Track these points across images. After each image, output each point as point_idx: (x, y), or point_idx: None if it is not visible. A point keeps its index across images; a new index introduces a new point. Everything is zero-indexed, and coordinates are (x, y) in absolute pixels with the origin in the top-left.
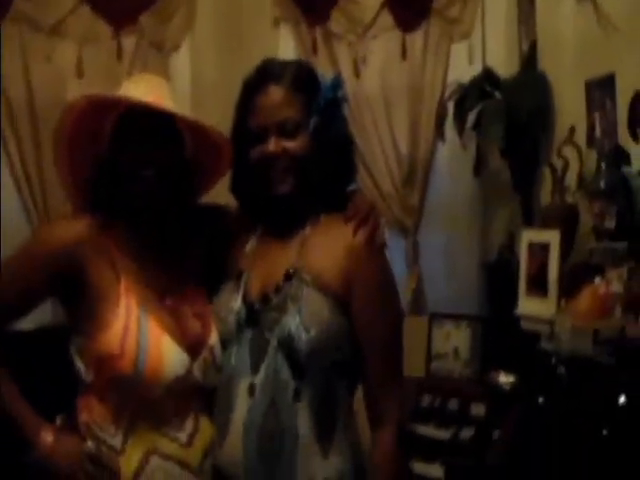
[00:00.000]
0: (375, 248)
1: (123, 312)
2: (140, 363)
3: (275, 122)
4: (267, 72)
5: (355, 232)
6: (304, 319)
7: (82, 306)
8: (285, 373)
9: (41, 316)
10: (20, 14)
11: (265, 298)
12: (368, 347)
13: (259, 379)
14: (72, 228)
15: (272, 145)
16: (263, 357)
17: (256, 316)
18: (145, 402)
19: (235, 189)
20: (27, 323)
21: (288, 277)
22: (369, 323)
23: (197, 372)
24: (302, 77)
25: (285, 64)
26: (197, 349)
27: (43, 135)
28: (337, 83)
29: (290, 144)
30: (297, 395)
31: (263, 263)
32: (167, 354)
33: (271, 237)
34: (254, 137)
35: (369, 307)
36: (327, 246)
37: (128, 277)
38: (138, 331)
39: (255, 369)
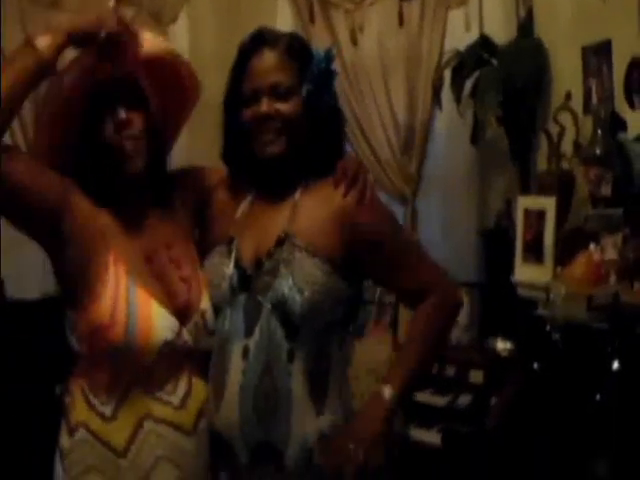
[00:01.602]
0: (367, 204)
1: (112, 281)
2: (130, 331)
3: (268, 84)
4: (262, 38)
5: (345, 194)
6: (297, 281)
7: (73, 273)
8: (279, 335)
9: (44, 286)
10: None
11: (258, 263)
12: (397, 275)
13: (253, 342)
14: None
15: (264, 106)
16: (256, 320)
17: (249, 281)
18: (138, 370)
19: (226, 155)
20: (32, 293)
21: (280, 242)
22: (389, 261)
23: (187, 336)
24: (296, 45)
25: (280, 32)
26: (185, 313)
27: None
28: (330, 55)
29: (282, 106)
30: (291, 356)
31: (254, 228)
32: (156, 320)
33: (262, 202)
34: (247, 100)
35: (382, 250)
36: (318, 210)
37: (117, 245)
38: (127, 300)
39: (249, 332)
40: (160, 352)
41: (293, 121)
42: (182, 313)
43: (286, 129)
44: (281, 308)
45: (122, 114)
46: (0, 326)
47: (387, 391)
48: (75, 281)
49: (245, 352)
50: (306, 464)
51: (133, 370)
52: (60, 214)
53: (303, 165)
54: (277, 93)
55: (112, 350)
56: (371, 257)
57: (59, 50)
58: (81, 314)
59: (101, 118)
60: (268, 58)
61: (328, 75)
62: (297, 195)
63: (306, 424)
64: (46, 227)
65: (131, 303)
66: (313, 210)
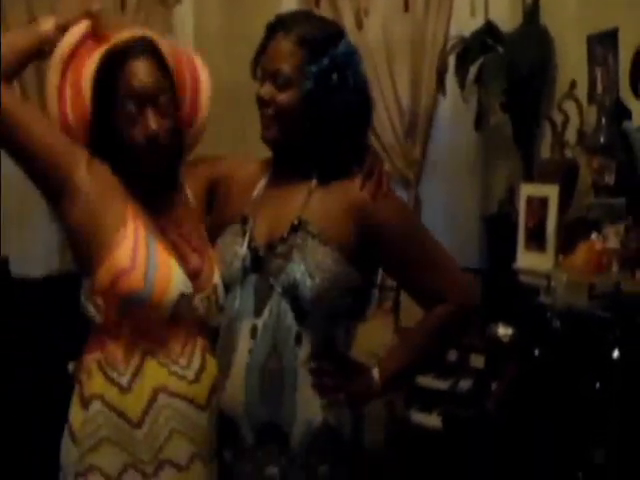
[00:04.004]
0: (382, 198)
1: (132, 232)
2: (150, 276)
3: (271, 70)
4: (282, 20)
5: (362, 187)
6: (309, 268)
7: (88, 225)
8: (288, 318)
9: (49, 264)
10: None
11: (270, 246)
12: (414, 274)
13: (262, 322)
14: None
15: (263, 90)
16: (266, 301)
17: (261, 262)
18: (155, 333)
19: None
20: (36, 270)
21: (294, 229)
22: (407, 259)
23: (201, 307)
24: (315, 35)
25: (301, 18)
26: (198, 282)
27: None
28: (340, 55)
29: (278, 95)
30: (299, 339)
31: (269, 210)
32: (174, 272)
33: (278, 185)
34: (259, 80)
35: (400, 247)
36: (333, 200)
37: (133, 205)
38: (147, 249)
39: (258, 312)
40: (175, 309)
41: (286, 112)
42: (195, 280)
43: (278, 118)
44: (292, 292)
45: (153, 124)
46: (6, 304)
47: (375, 375)
48: (90, 235)
49: (253, 331)
50: (311, 446)
51: (148, 336)
52: (71, 164)
53: (311, 154)
54: (277, 81)
55: (130, 298)
56: (385, 252)
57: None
58: (99, 269)
59: (129, 116)
60: (278, 44)
61: (339, 78)
62: (313, 182)
63: (311, 406)
64: (56, 177)
65: (151, 253)
66: (328, 198)
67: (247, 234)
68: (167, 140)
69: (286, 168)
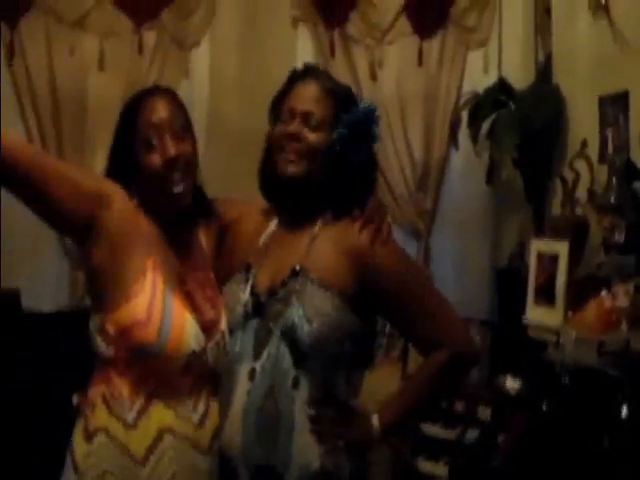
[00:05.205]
0: (381, 243)
1: (150, 285)
2: (164, 332)
3: (303, 110)
4: (313, 69)
5: (361, 230)
6: (307, 312)
7: (108, 271)
8: (286, 361)
9: (60, 299)
10: (45, 7)
11: (272, 291)
12: (412, 322)
13: (260, 364)
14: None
15: (294, 126)
16: (265, 345)
17: (262, 307)
18: (163, 379)
19: (260, 172)
20: (47, 306)
21: (295, 274)
22: (404, 306)
23: (210, 354)
24: (341, 89)
25: (329, 74)
26: (210, 331)
27: (65, 127)
28: (372, 111)
29: (309, 134)
30: (296, 383)
31: (272, 258)
32: (188, 328)
33: (283, 233)
34: (282, 119)
35: (397, 294)
36: (334, 244)
37: (157, 254)
38: (163, 303)
39: (257, 355)
40: (187, 363)
41: (316, 151)
42: (207, 331)
43: (308, 155)
44: (290, 335)
45: (171, 149)
46: (16, 337)
47: (375, 422)
48: (109, 280)
49: (252, 374)
50: None
51: (156, 379)
52: (94, 214)
53: (323, 198)
54: (309, 122)
55: (142, 349)
56: (383, 298)
57: None
58: (112, 313)
59: (147, 143)
60: (311, 87)
61: (365, 131)
62: (317, 228)
63: (308, 451)
64: (77, 226)
65: (167, 307)
66: (330, 244)
67: (250, 281)
68: (185, 165)
69: (290, 214)
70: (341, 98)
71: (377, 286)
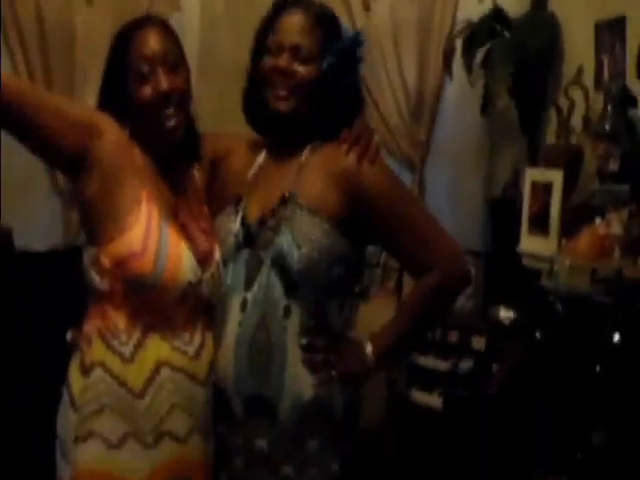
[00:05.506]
0: (368, 163)
1: (145, 216)
2: (160, 263)
3: (292, 43)
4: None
5: (347, 152)
6: (296, 238)
7: (102, 203)
8: (277, 290)
9: (53, 238)
10: None
11: (262, 220)
12: (402, 242)
13: (251, 294)
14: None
15: (283, 60)
16: (256, 274)
17: (253, 237)
18: (159, 311)
19: (245, 103)
20: (40, 245)
21: (284, 201)
22: (393, 227)
23: (205, 286)
24: (326, 16)
25: (315, 2)
26: (205, 263)
27: (52, 60)
28: (358, 39)
29: (299, 68)
30: (287, 312)
31: (262, 188)
32: (184, 259)
33: (272, 163)
34: (270, 52)
35: (386, 215)
36: (322, 170)
37: (150, 186)
38: (159, 234)
39: (248, 285)
40: (182, 295)
41: (306, 85)
42: (202, 262)
43: (298, 90)
44: (280, 263)
45: (164, 83)
46: (9, 276)
47: (369, 349)
48: (103, 212)
49: (243, 304)
50: (300, 420)
51: (152, 312)
52: (87, 146)
53: (312, 128)
54: (298, 54)
55: (138, 281)
56: (373, 220)
57: None
58: (107, 245)
59: (139, 75)
60: (298, 18)
61: (353, 57)
62: (304, 155)
63: (300, 381)
64: (70, 157)
65: (163, 238)
66: (318, 170)
67: (240, 212)
68: (178, 99)
69: (279, 145)
70: (328, 26)
71: (366, 207)
